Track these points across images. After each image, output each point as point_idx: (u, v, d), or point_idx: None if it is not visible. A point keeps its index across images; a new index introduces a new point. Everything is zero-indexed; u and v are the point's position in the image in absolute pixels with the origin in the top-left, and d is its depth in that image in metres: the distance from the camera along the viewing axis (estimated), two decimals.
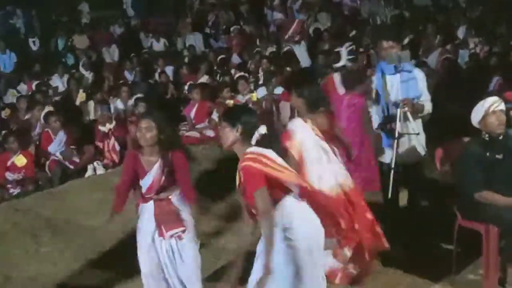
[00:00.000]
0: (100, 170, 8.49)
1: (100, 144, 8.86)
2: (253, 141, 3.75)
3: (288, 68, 11.15)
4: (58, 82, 12.15)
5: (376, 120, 5.64)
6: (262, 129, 3.77)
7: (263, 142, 3.72)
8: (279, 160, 3.73)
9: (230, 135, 3.78)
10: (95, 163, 8.55)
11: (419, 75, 5.58)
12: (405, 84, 5.44)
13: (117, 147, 8.81)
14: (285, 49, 12.51)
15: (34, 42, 15.78)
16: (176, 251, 4.62)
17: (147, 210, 4.64)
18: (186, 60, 13.27)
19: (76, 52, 14.54)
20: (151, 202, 4.60)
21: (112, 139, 8.77)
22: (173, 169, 4.55)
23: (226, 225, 6.50)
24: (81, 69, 13.09)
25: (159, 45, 14.98)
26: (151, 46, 15.04)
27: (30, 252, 6.10)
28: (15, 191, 7.95)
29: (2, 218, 6.55)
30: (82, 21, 17.67)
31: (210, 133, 9.15)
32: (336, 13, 15.27)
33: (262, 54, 12.48)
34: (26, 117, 9.75)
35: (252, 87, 10.09)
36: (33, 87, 11.65)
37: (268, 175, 3.61)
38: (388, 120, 5.51)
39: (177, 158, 4.55)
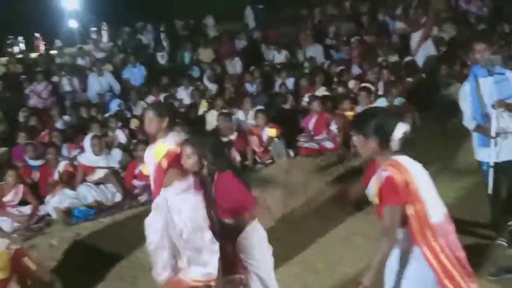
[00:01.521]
0: None
1: None
2: (397, 145, 3.36)
3: (409, 79, 10.95)
4: (184, 94, 12.57)
5: (471, 122, 5.86)
6: (403, 127, 3.35)
7: (407, 141, 3.35)
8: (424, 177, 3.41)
9: (366, 147, 3.42)
10: None
11: (511, 75, 5.73)
12: (498, 85, 5.65)
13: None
14: (407, 59, 12.27)
15: (162, 56, 16.46)
16: None
17: None
18: (306, 71, 13.33)
19: (201, 65, 15.00)
20: None
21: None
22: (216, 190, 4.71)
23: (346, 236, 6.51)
24: (205, 81, 13.52)
25: (280, 57, 15.16)
26: (273, 58, 15.25)
27: None
28: (142, 198, 8.26)
29: (131, 224, 6.89)
30: (209, 34, 18.25)
31: (329, 144, 9.17)
32: (462, 22, 14.75)
33: (383, 64, 12.32)
34: None
35: (372, 99, 9.97)
36: (161, 99, 12.13)
37: (413, 190, 3.31)
38: (484, 121, 5.74)
39: (221, 178, 4.67)
